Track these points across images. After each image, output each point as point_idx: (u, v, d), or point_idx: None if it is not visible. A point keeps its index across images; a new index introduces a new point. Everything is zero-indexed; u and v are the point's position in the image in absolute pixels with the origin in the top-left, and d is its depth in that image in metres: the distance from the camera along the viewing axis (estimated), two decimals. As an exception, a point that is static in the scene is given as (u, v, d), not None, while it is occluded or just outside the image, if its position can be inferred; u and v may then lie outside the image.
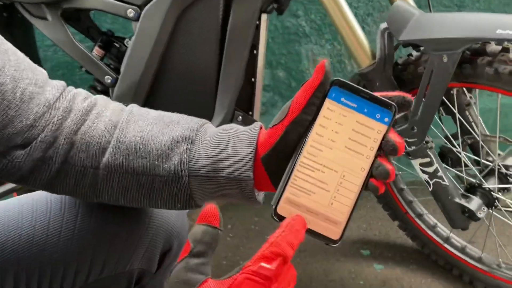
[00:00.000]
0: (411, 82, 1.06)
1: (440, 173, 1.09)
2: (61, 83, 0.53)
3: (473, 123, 1.12)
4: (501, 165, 1.10)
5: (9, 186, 1.07)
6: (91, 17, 1.13)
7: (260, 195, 0.51)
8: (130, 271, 0.62)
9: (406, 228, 1.36)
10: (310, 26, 1.54)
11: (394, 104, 0.43)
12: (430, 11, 1.08)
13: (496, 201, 1.10)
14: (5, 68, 0.47)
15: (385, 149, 0.43)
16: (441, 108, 1.14)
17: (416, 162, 1.10)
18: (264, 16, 1.02)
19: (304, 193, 0.42)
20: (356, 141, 0.43)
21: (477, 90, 1.08)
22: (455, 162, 1.17)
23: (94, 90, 1.10)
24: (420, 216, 1.32)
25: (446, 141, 1.17)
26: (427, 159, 1.09)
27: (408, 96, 0.44)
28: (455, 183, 1.13)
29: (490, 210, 1.12)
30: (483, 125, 1.14)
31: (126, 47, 1.04)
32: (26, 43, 1.23)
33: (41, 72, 0.52)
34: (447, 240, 1.30)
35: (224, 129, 0.50)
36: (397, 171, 1.28)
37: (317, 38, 1.55)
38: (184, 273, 0.37)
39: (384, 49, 1.00)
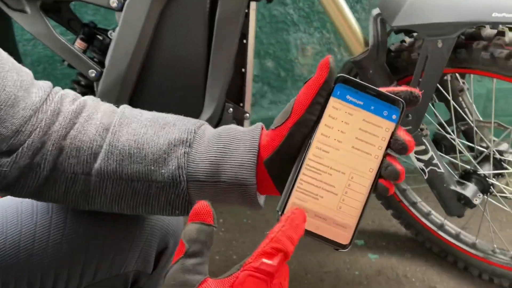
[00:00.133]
0: (405, 69, 1.05)
1: (436, 161, 1.08)
2: (47, 84, 0.50)
3: (466, 109, 1.11)
4: (495, 151, 1.09)
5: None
6: (72, 9, 1.10)
7: (261, 199, 0.49)
8: (125, 274, 0.60)
9: (400, 216, 1.35)
10: (298, 14, 1.51)
11: (402, 100, 0.42)
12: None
13: (491, 187, 1.09)
14: None
15: (394, 148, 0.41)
16: (434, 95, 1.13)
17: (411, 150, 1.09)
18: (253, 4, 1.00)
19: (311, 198, 0.40)
20: (363, 141, 0.41)
21: (471, 75, 1.06)
22: (449, 149, 1.16)
23: (77, 85, 1.07)
24: (414, 204, 1.31)
25: (440, 128, 1.16)
26: (422, 147, 1.08)
27: (416, 90, 0.42)
28: (450, 170, 1.12)
29: (485, 196, 1.12)
30: (476, 111, 1.13)
31: (110, 39, 1.02)
32: (5, 37, 1.19)
33: (26, 73, 0.49)
34: (441, 227, 1.30)
35: (223, 130, 0.48)
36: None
37: (305, 27, 1.53)
38: (181, 275, 0.35)
39: (377, 36, 0.98)
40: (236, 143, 0.46)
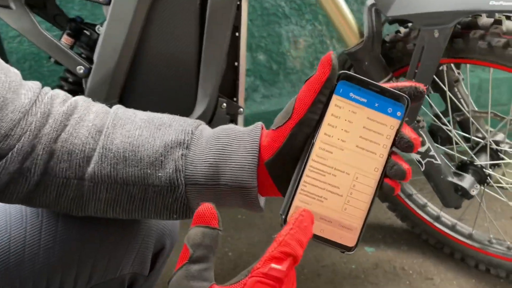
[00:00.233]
0: (400, 60, 1.03)
1: (432, 152, 1.07)
2: (36, 84, 0.48)
3: (462, 100, 1.10)
4: (491, 141, 1.08)
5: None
6: (57, 4, 1.07)
7: (262, 200, 0.47)
8: (121, 277, 0.58)
9: (396, 209, 1.34)
10: (289, 6, 1.49)
11: (406, 96, 0.40)
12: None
13: (488, 177, 1.09)
14: None
15: (399, 146, 0.40)
16: (429, 86, 1.12)
17: (407, 142, 1.08)
18: (245, -4, 0.97)
19: (315, 200, 0.39)
20: (368, 140, 0.40)
21: (467, 65, 1.05)
22: (445, 140, 1.15)
23: (65, 82, 1.04)
24: (409, 196, 1.31)
25: (435, 119, 1.15)
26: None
27: (421, 85, 0.41)
28: (446, 161, 1.12)
29: (482, 187, 1.11)
30: (472, 101, 1.13)
31: (98, 34, 0.99)
32: (-12, 34, 1.15)
33: (15, 74, 0.47)
34: (437, 218, 1.30)
35: (222, 130, 0.46)
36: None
37: (297, 19, 1.51)
38: (186, 282, 0.34)
39: (372, 27, 0.97)
40: (236, 144, 0.45)
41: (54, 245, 0.53)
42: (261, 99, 1.59)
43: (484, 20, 0.93)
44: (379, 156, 0.40)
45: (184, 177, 0.45)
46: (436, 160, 1.07)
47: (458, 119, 1.12)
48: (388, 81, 1.00)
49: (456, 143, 1.12)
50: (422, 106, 1.10)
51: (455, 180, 1.08)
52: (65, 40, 1.00)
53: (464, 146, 1.11)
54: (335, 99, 0.40)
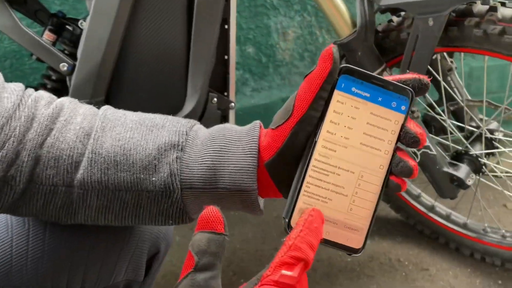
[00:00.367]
0: (393, 50, 1.02)
1: (427, 143, 1.06)
2: (18, 86, 0.44)
3: (455, 89, 1.09)
4: (486, 130, 1.07)
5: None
6: (38, -1, 1.02)
7: (261, 202, 0.45)
8: (115, 285, 0.56)
9: (390, 200, 1.34)
10: (278, -3, 1.46)
11: (410, 88, 0.38)
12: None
13: (483, 166, 1.08)
14: None
15: (404, 142, 0.38)
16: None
17: (402, 133, 1.06)
18: (234, -13, 0.94)
19: (320, 201, 0.37)
20: (372, 136, 0.38)
21: (461, 54, 1.04)
22: (439, 129, 1.14)
23: (48, 80, 1.00)
24: (403, 187, 1.30)
25: (429, 109, 1.13)
26: (414, 130, 1.05)
27: (425, 78, 0.39)
28: (441, 152, 1.10)
29: (477, 177, 1.11)
30: (465, 90, 1.11)
31: (81, 29, 0.96)
32: (-35, 32, 1.10)
33: None
34: (431, 209, 1.29)
35: (218, 131, 0.44)
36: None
37: (286, 10, 1.48)
38: None
39: (364, 16, 0.94)
40: (234, 145, 0.42)
41: (43, 254, 0.50)
42: (251, 92, 1.56)
43: (479, 7, 0.91)
44: (384, 152, 0.38)
45: (179, 181, 0.42)
46: (431, 150, 1.06)
47: (452, 108, 1.11)
48: (382, 71, 0.98)
49: (451, 133, 1.11)
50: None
51: (450, 170, 1.08)
52: (47, 36, 0.97)
53: (459, 135, 1.10)
54: (337, 95, 0.38)
